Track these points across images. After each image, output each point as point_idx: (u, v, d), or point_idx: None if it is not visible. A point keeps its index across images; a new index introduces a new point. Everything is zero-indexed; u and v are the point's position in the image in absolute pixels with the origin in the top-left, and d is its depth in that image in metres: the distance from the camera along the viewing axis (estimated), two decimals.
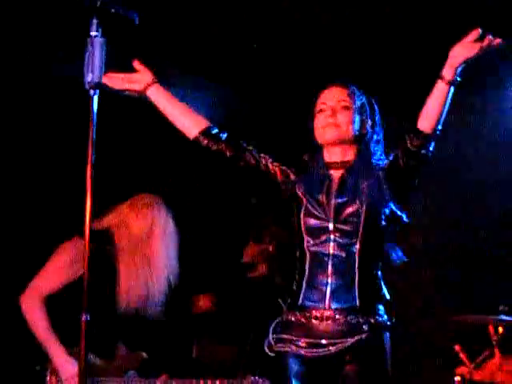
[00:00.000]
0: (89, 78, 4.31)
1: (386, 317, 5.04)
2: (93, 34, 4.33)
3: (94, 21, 4.35)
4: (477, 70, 4.97)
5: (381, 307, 5.05)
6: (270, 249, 5.52)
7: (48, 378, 6.13)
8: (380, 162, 5.20)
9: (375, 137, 5.26)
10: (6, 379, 6.87)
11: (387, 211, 5.09)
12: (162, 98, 5.30)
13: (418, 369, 8.21)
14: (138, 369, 6.30)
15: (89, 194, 4.16)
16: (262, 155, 5.35)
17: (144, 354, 6.37)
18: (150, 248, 6.28)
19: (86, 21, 4.32)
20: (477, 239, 8.57)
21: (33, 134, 7.74)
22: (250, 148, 5.35)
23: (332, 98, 5.19)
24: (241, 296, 8.24)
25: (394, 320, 5.05)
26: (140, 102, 5.24)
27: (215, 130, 5.31)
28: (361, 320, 4.95)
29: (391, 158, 5.11)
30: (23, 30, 7.52)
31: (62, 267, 5.90)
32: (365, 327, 4.95)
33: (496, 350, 7.14)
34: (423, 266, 8.69)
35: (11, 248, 6.74)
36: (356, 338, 4.94)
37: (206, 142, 5.28)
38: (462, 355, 7.22)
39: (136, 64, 5.26)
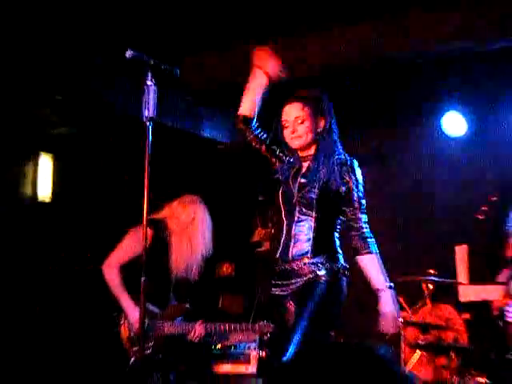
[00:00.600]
0: (146, 113, 4.54)
1: (334, 265, 4.93)
2: (149, 83, 4.55)
3: (149, 74, 4.55)
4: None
5: (331, 257, 4.97)
6: (273, 231, 5.67)
7: (122, 322, 6.44)
8: (341, 157, 5.08)
9: (332, 135, 5.13)
10: (94, 323, 7.07)
11: (338, 191, 4.95)
12: (259, 87, 5.18)
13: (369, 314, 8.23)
14: (183, 315, 6.58)
15: (146, 196, 4.41)
16: (271, 146, 5.23)
17: (187, 305, 6.53)
18: (192, 232, 6.49)
19: (142, 73, 4.53)
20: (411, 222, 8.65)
21: (109, 156, 7.93)
22: (266, 139, 5.22)
23: (290, 115, 5.11)
24: (251, 264, 8.55)
25: (340, 266, 4.95)
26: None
27: (254, 120, 5.18)
28: (314, 264, 4.91)
29: (344, 190, 4.99)
30: (97, 85, 7.73)
31: (131, 245, 6.19)
32: (320, 268, 4.89)
33: (427, 301, 7.29)
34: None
35: (102, 232, 6.90)
36: (312, 275, 4.88)
37: (240, 123, 5.19)
38: (404, 304, 7.25)
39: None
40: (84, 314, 7.36)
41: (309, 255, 4.94)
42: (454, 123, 8.13)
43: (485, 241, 6.41)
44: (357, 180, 5.01)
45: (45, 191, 8.17)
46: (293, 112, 5.08)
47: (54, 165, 8.21)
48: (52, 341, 7.37)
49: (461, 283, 7.70)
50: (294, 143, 5.09)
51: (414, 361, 7.09)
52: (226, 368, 7.16)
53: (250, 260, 8.45)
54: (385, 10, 6.96)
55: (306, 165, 5.16)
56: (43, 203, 8.13)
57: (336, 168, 5.00)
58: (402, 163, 8.71)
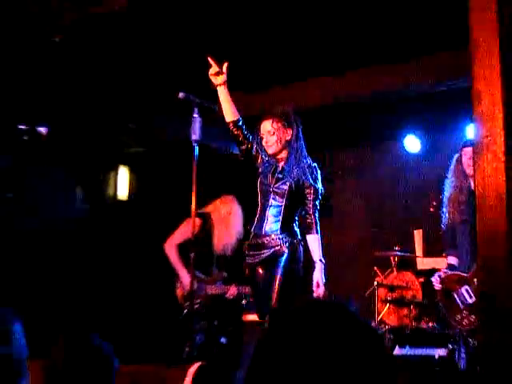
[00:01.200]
0: (193, 137, 4.75)
1: (294, 239, 4.98)
2: (195, 115, 4.75)
3: (196, 109, 4.77)
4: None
5: (292, 234, 5.02)
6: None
7: (177, 285, 6.55)
8: (308, 162, 5.08)
9: (299, 142, 5.07)
10: (160, 286, 7.11)
11: (304, 187, 5.00)
12: (224, 95, 5.04)
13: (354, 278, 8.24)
14: (222, 280, 6.69)
15: (194, 196, 4.74)
16: (254, 144, 5.16)
17: (225, 273, 6.68)
18: (229, 222, 6.61)
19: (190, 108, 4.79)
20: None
21: (168, 168, 7.96)
22: (251, 138, 5.14)
23: (264, 129, 5.05)
24: None
25: (298, 240, 5.02)
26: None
27: (240, 122, 5.10)
28: (280, 239, 4.97)
29: (307, 186, 5.02)
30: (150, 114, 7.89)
31: (185, 230, 6.25)
32: (284, 242, 4.95)
33: (394, 269, 7.32)
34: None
35: (164, 221, 6.87)
36: (278, 247, 4.95)
37: (232, 127, 5.08)
38: (378, 272, 7.32)
39: (225, 66, 5.03)
40: (153, 279, 7.40)
41: (277, 232, 4.99)
42: (412, 143, 8.19)
43: (434, 226, 6.33)
44: (317, 179, 5.08)
45: (122, 193, 8.21)
46: (266, 126, 5.06)
47: (129, 174, 8.26)
48: (131, 299, 7.46)
49: (418, 256, 7.75)
50: (269, 151, 5.07)
51: (384, 312, 7.08)
52: (250, 317, 7.24)
53: None
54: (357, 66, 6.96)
55: (281, 164, 5.12)
56: (121, 201, 8.20)
57: (306, 170, 5.02)
58: (375, 172, 8.60)
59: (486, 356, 3.42)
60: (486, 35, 3.58)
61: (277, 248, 4.98)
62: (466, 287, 5.19)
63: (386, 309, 7.14)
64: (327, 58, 6.73)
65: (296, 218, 5.12)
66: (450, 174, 5.50)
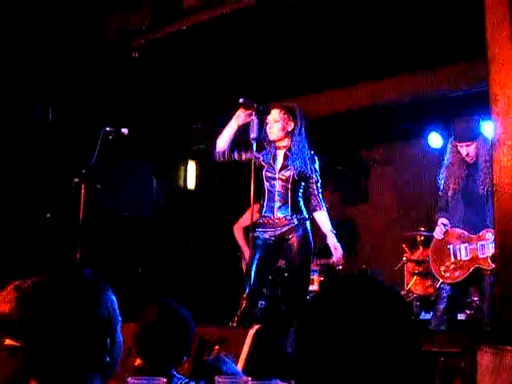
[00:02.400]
0: (252, 136, 4.81)
1: (302, 217, 4.88)
2: (253, 117, 4.81)
3: (253, 112, 4.83)
4: None
5: (301, 213, 4.92)
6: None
7: (242, 259, 6.56)
8: (310, 153, 4.96)
9: (302, 135, 4.95)
10: (228, 261, 7.12)
11: (306, 175, 4.92)
12: (233, 129, 4.99)
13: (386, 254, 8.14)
14: None
15: (253, 188, 4.74)
16: (242, 154, 5.02)
17: None
18: None
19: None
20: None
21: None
22: (235, 153, 5.02)
23: (271, 116, 4.95)
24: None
25: (305, 217, 4.90)
26: None
27: (227, 153, 5.00)
28: (292, 218, 4.89)
29: (309, 175, 4.94)
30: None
31: (248, 216, 6.07)
32: (295, 221, 4.88)
33: (420, 246, 7.20)
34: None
35: (227, 208, 6.96)
36: (291, 225, 4.88)
37: (217, 155, 4.99)
38: (407, 249, 7.24)
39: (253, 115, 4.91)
40: (223, 256, 7.40)
41: (288, 214, 4.90)
42: (435, 140, 8.02)
43: None
44: (317, 169, 5.00)
45: (191, 184, 8.21)
46: (273, 114, 4.97)
47: (196, 167, 8.25)
48: (204, 272, 7.43)
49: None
50: (270, 136, 4.97)
51: (411, 283, 7.02)
52: None
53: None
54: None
55: (280, 152, 5.01)
56: (190, 191, 8.18)
57: (307, 162, 4.93)
58: (404, 165, 8.51)
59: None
60: (501, 47, 3.60)
61: (290, 226, 4.89)
62: (466, 245, 5.02)
63: (413, 280, 7.07)
64: (363, 66, 6.64)
65: (301, 200, 5.01)
66: (447, 163, 5.27)
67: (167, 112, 5.50)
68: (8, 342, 2.74)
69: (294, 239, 4.89)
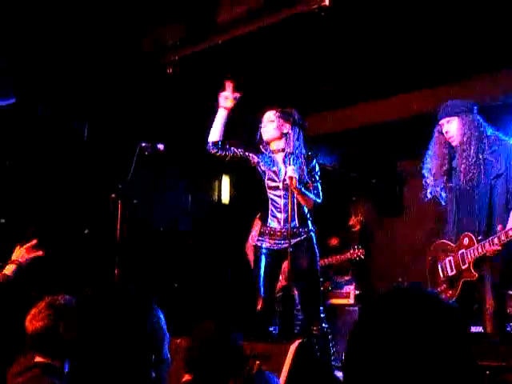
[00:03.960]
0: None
1: (308, 227, 4.82)
2: (290, 131, 4.80)
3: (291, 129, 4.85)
4: None
5: (307, 225, 4.85)
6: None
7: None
8: (303, 150, 4.84)
9: (299, 139, 4.83)
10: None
11: (304, 178, 4.78)
12: (222, 118, 4.96)
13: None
14: None
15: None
16: (239, 150, 4.98)
17: None
18: None
19: None
20: None
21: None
22: (232, 148, 4.97)
23: (265, 117, 4.93)
24: (349, 238, 8.16)
25: (312, 227, 4.87)
26: None
27: (220, 143, 4.93)
28: (300, 230, 4.82)
29: (306, 178, 4.80)
30: None
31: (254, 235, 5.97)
32: (303, 233, 4.82)
33: None
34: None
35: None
36: (298, 238, 4.80)
37: (210, 146, 4.95)
38: None
39: (237, 96, 4.96)
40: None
41: (295, 222, 4.80)
42: None
43: None
44: (316, 169, 4.91)
45: (225, 197, 8.24)
46: (268, 114, 4.95)
47: (230, 181, 8.27)
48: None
49: None
50: (264, 135, 4.93)
51: None
52: (334, 301, 7.20)
53: (348, 235, 8.23)
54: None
55: (277, 156, 4.93)
56: (224, 204, 8.21)
57: (305, 168, 4.81)
58: None
59: None
60: None
61: (297, 239, 4.81)
62: (450, 258, 4.42)
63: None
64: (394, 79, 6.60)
65: (307, 210, 4.93)
66: (431, 146, 4.74)
67: (202, 127, 5.49)
68: (38, 359, 2.77)
69: (300, 253, 4.81)
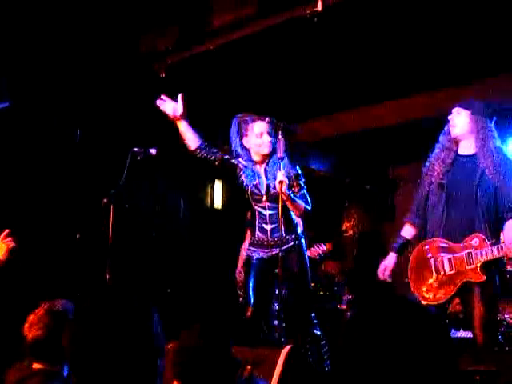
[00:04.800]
0: (278, 155, 4.64)
1: (297, 235, 4.79)
2: (280, 137, 4.68)
3: (280, 132, 4.69)
4: None
5: (296, 231, 4.82)
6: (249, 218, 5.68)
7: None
8: (291, 164, 4.80)
9: (285, 142, 4.73)
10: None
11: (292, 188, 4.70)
12: (184, 127, 4.85)
13: None
14: None
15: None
16: (225, 156, 4.92)
17: None
18: None
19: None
20: None
21: None
22: (219, 152, 4.93)
23: (260, 128, 4.81)
24: (341, 243, 8.30)
25: (300, 234, 4.86)
26: None
27: (203, 145, 4.88)
28: (287, 239, 4.78)
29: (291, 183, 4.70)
30: None
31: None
32: (290, 241, 4.79)
33: None
34: None
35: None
36: (286, 246, 4.77)
37: (198, 153, 4.87)
38: None
39: (181, 99, 4.84)
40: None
41: (282, 231, 4.75)
42: None
43: None
44: (301, 177, 4.82)
45: (218, 202, 8.25)
46: (262, 126, 4.85)
47: (222, 186, 8.28)
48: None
49: None
50: (264, 150, 4.84)
51: None
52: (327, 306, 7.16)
53: (340, 240, 8.23)
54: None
55: (259, 168, 4.87)
56: (217, 209, 8.24)
57: (291, 174, 4.75)
58: None
59: None
60: None
61: (285, 246, 4.79)
62: (450, 256, 4.26)
63: None
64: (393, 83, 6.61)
65: (294, 217, 4.90)
66: (441, 137, 4.59)
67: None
68: (36, 365, 2.76)
69: (290, 259, 4.79)
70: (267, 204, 4.81)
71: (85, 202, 6.06)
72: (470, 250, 4.22)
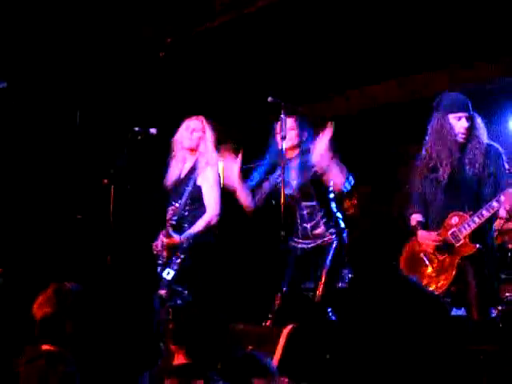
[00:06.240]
0: (281, 134, 4.68)
1: (338, 228, 4.84)
2: (282, 116, 4.70)
3: (282, 110, 4.73)
4: None
5: (337, 225, 4.86)
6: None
7: None
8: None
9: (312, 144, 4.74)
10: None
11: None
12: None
13: None
14: None
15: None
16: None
17: None
18: None
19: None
20: None
21: None
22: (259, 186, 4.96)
23: (288, 124, 4.78)
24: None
25: (344, 230, 4.88)
26: None
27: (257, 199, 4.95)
28: (329, 233, 4.81)
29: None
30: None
31: None
32: (332, 235, 4.81)
33: None
34: None
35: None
36: (327, 238, 4.81)
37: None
38: None
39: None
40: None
41: (323, 229, 4.81)
42: None
43: None
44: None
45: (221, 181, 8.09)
46: (289, 123, 4.85)
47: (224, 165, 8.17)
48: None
49: None
50: (286, 143, 4.79)
51: None
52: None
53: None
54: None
55: (293, 167, 4.90)
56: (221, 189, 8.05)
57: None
58: None
59: None
60: None
61: (325, 239, 4.82)
62: (438, 244, 4.31)
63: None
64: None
65: (334, 209, 4.92)
66: (436, 133, 4.53)
67: (194, 112, 5.49)
68: (44, 347, 2.81)
69: (326, 257, 4.80)
70: (304, 204, 4.93)
71: (86, 183, 6.05)
72: (453, 229, 4.27)
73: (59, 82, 6.14)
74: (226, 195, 5.13)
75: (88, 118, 6.39)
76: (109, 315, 1.71)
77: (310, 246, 4.87)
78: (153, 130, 5.05)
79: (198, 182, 5.03)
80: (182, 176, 5.12)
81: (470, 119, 4.46)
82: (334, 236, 4.82)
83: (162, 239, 4.95)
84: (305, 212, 4.87)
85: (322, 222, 4.82)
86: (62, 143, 6.15)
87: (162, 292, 4.27)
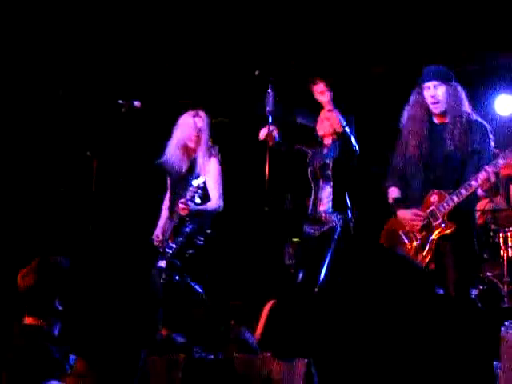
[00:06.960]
0: (268, 108, 4.79)
1: (345, 216, 4.85)
2: (269, 90, 4.77)
3: (270, 85, 4.79)
4: None
5: (344, 211, 4.87)
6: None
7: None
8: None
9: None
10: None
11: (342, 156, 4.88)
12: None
13: None
14: None
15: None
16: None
17: None
18: None
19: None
20: None
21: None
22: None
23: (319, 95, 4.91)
24: None
25: (350, 215, 4.88)
26: None
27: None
28: (332, 216, 4.84)
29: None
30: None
31: None
32: (336, 219, 4.82)
33: None
34: None
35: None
36: (332, 224, 4.83)
37: None
38: None
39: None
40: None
41: (330, 211, 4.86)
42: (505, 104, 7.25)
43: None
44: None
45: None
46: (320, 87, 4.91)
47: None
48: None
49: None
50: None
51: None
52: None
53: None
54: None
55: (324, 150, 4.99)
56: None
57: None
58: None
59: None
60: None
61: (331, 225, 4.84)
62: (416, 222, 4.28)
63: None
64: None
65: (346, 197, 4.94)
66: (409, 107, 4.52)
67: (180, 84, 5.46)
68: (28, 319, 2.81)
69: (330, 242, 4.83)
70: (320, 181, 4.99)
71: (69, 156, 5.99)
72: (432, 208, 4.22)
73: (42, 55, 6.07)
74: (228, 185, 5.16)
75: (71, 90, 6.32)
76: (103, 289, 1.70)
77: (321, 230, 4.91)
78: (137, 103, 5.01)
79: (202, 175, 4.95)
80: (186, 168, 5.10)
81: (441, 88, 4.36)
82: (339, 222, 4.84)
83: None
84: (320, 188, 4.93)
85: (330, 204, 4.87)
86: (45, 116, 6.09)
87: (162, 263, 4.24)
